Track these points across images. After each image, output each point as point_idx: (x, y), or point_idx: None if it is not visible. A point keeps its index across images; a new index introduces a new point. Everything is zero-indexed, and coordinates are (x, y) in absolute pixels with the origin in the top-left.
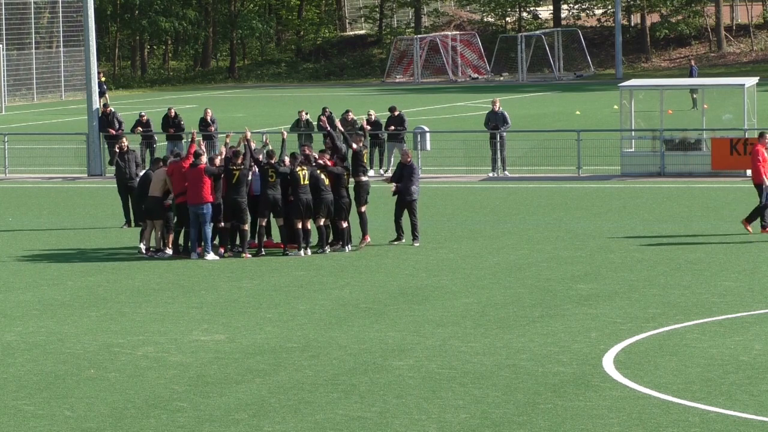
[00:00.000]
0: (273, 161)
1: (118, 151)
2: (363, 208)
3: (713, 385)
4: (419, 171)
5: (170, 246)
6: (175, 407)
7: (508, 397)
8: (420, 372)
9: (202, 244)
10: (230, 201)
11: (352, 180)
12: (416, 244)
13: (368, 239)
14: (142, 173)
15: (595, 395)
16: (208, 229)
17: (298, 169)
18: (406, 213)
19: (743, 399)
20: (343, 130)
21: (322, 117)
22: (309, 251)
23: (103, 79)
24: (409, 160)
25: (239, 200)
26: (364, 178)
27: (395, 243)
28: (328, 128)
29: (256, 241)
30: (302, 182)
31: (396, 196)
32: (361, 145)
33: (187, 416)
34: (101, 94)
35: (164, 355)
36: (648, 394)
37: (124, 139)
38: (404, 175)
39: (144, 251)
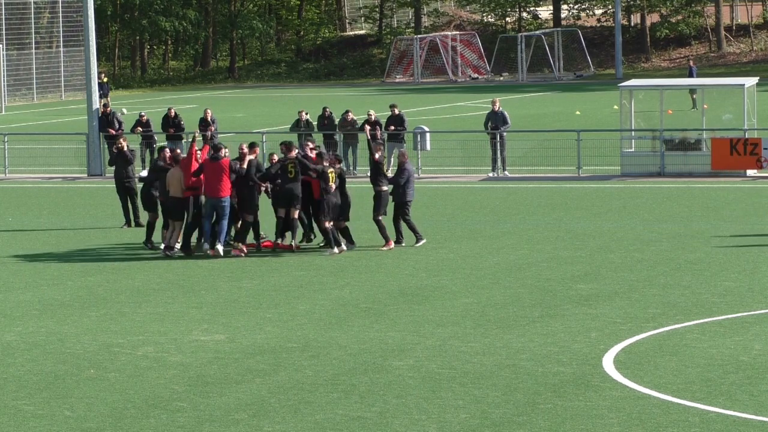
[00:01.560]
0: (293, 154)
1: (116, 151)
2: (380, 217)
3: (713, 385)
4: (410, 171)
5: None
6: (175, 407)
7: (508, 397)
8: (420, 372)
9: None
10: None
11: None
12: (382, 250)
13: (392, 244)
14: (154, 161)
15: (595, 395)
16: (225, 222)
17: (330, 170)
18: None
19: (743, 399)
20: (369, 137)
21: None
22: (344, 247)
23: (105, 79)
24: (403, 161)
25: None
26: (384, 188)
27: (397, 246)
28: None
29: (274, 236)
30: (330, 183)
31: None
32: (381, 155)
33: (187, 416)
34: (104, 94)
35: (164, 355)
36: (648, 394)
37: (122, 140)
38: (396, 176)
39: (161, 246)
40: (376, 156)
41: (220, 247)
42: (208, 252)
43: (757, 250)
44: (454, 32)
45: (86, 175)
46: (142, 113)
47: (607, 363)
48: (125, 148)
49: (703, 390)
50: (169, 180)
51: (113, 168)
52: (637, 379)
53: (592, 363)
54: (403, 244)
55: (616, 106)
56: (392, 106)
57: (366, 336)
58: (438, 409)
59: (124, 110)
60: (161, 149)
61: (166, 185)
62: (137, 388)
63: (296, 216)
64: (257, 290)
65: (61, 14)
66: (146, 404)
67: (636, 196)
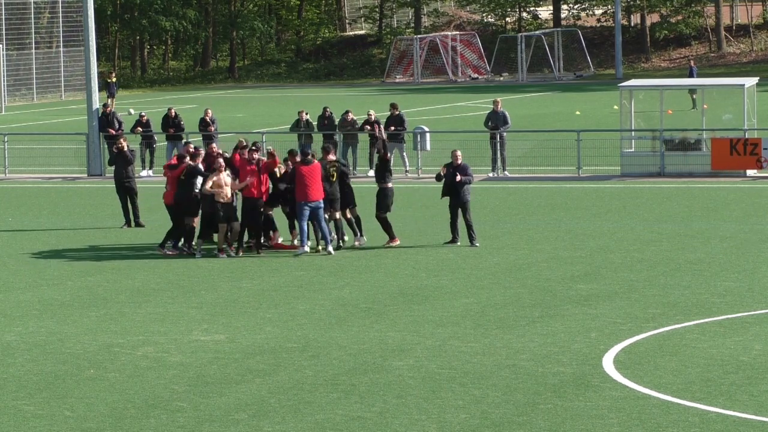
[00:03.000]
0: (332, 158)
1: (116, 151)
2: (384, 214)
3: (713, 385)
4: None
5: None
6: (175, 407)
7: (508, 398)
8: (420, 372)
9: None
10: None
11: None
12: (476, 245)
13: (398, 241)
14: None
15: (595, 395)
16: (324, 224)
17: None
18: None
19: (743, 399)
20: (382, 137)
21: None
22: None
23: (114, 79)
24: (459, 161)
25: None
26: (389, 185)
27: (450, 245)
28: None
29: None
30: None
31: (448, 198)
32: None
33: (187, 416)
34: (112, 95)
35: (164, 355)
36: (648, 395)
37: (122, 140)
38: (465, 174)
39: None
40: (388, 154)
41: (330, 248)
42: (304, 252)
43: (757, 250)
44: (454, 32)
45: (86, 175)
46: (142, 113)
47: (607, 363)
48: (125, 149)
49: (703, 390)
50: (215, 186)
51: (113, 168)
52: (637, 379)
53: (592, 363)
54: (458, 243)
55: (616, 106)
56: (393, 106)
57: (366, 336)
58: (438, 410)
59: (131, 110)
60: (204, 154)
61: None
62: (137, 388)
63: (338, 217)
64: (257, 290)
65: (61, 14)
66: (146, 404)
67: (636, 196)
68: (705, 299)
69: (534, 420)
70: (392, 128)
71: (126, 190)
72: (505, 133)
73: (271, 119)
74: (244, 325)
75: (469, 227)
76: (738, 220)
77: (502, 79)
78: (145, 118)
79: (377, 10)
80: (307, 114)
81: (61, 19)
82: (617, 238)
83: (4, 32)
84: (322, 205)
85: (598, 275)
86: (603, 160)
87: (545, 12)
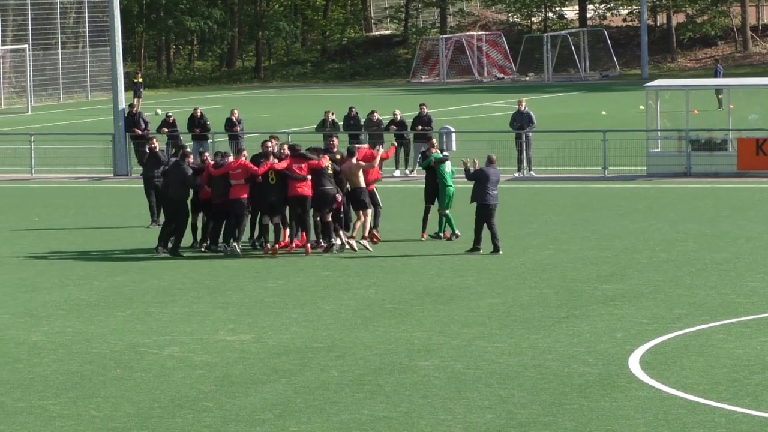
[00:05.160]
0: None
1: (148, 151)
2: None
3: (739, 385)
4: (486, 174)
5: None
6: (201, 407)
7: (534, 398)
8: (446, 372)
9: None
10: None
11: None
12: (500, 253)
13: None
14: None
15: (621, 396)
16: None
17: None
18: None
19: None
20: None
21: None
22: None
23: (140, 80)
24: (476, 164)
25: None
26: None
27: (473, 253)
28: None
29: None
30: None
31: (475, 205)
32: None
33: (213, 416)
34: (138, 95)
35: (190, 355)
36: (674, 395)
37: (154, 140)
38: (481, 179)
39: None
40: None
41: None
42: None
43: None
44: (480, 32)
45: (112, 175)
46: (169, 113)
47: (633, 363)
48: (158, 149)
49: (729, 390)
50: (347, 174)
51: (141, 167)
52: (663, 379)
53: (618, 363)
54: (480, 252)
55: (642, 107)
56: (422, 105)
57: (392, 336)
58: (464, 410)
59: (159, 111)
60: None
61: (343, 180)
62: (163, 388)
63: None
64: (283, 290)
65: (87, 14)
66: (172, 404)
67: (662, 196)
68: (731, 299)
69: (560, 420)
70: (419, 128)
71: (155, 189)
72: (530, 134)
73: (297, 119)
74: (270, 325)
75: (494, 235)
76: (764, 221)
77: (527, 79)
78: (172, 118)
79: (403, 10)
80: (333, 114)
81: (87, 19)
82: (643, 239)
83: (30, 32)
84: None
85: (624, 275)
86: (629, 161)
87: (571, 12)
